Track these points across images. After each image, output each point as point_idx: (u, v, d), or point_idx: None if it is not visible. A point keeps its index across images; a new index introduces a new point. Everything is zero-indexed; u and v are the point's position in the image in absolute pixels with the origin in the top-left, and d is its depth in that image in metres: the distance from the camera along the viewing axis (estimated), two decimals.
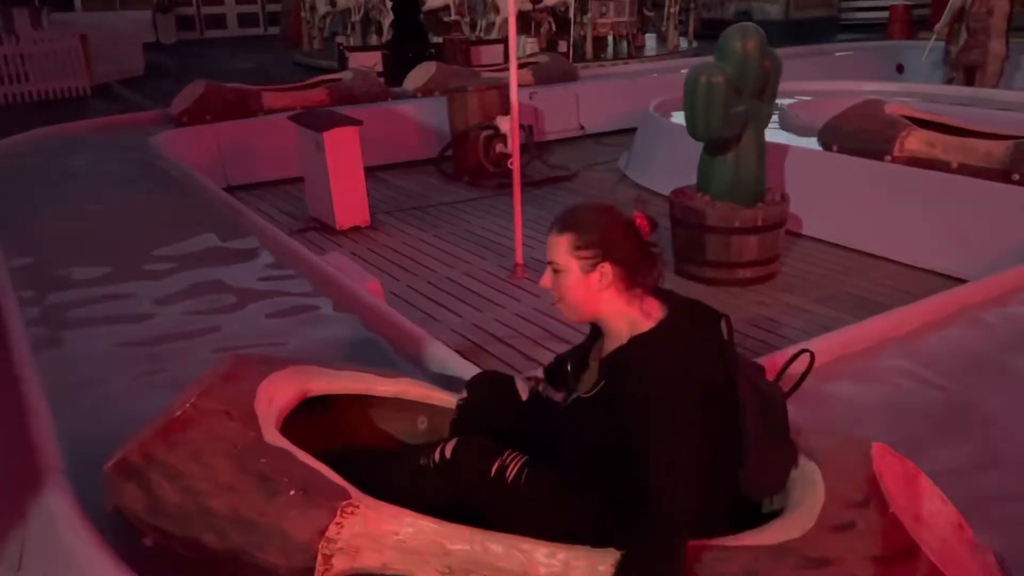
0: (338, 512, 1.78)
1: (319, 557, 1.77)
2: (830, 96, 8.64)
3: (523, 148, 8.07)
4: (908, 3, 18.81)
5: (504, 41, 12.70)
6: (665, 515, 1.58)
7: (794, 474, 1.86)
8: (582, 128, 9.70)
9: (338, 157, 6.06)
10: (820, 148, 6.31)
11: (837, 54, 13.31)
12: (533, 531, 1.75)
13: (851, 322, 4.42)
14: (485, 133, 7.81)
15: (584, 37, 15.42)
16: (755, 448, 1.75)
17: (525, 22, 15.53)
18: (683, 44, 17.72)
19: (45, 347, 3.20)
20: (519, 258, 5.23)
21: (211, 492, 1.85)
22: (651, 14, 17.23)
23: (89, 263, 4.22)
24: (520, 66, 10.19)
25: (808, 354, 2.11)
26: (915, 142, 5.88)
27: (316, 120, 6.19)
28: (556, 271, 1.81)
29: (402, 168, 8.21)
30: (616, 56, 16.19)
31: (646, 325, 1.76)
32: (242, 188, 7.16)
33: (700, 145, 7.24)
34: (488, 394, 2.17)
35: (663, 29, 17.17)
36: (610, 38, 16.40)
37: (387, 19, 15.32)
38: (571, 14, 15.42)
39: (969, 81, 10.54)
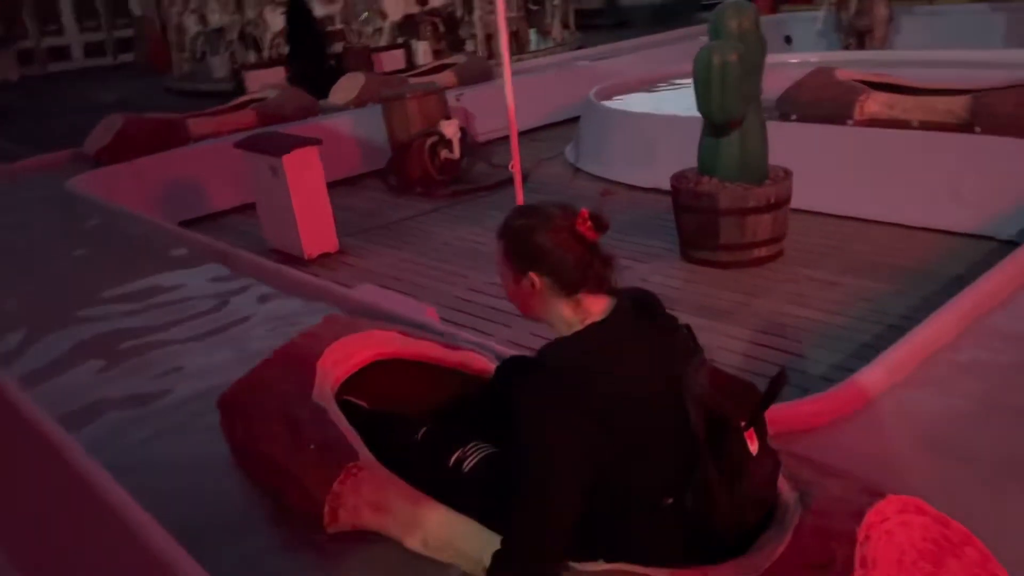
0: (343, 471, 1.98)
1: (327, 508, 1.99)
2: None
3: (466, 150, 7.85)
4: None
5: (401, 46, 12.34)
6: (521, 519, 1.58)
7: (779, 511, 1.66)
8: None
9: (299, 181, 5.59)
10: (778, 119, 6.38)
11: None
12: (468, 515, 1.87)
13: (887, 290, 4.49)
14: (430, 140, 7.48)
15: (474, 36, 15.23)
16: (701, 474, 1.58)
17: (412, 26, 15.20)
18: (565, 37, 17.85)
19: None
20: None
21: (261, 436, 2.22)
22: (535, 8, 17.22)
23: (98, 354, 3.59)
24: (441, 68, 9.94)
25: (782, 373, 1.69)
26: (874, 104, 6.03)
27: (269, 144, 5.68)
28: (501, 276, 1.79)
29: (343, 185, 7.73)
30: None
31: (577, 328, 1.68)
32: (182, 225, 6.51)
33: (651, 129, 7.35)
34: (507, 377, 2.16)
35: (548, 23, 17.20)
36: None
37: (268, 33, 14.58)
38: (458, 14, 15.21)
39: (861, 45, 11.09)
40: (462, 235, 6.14)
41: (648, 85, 9.04)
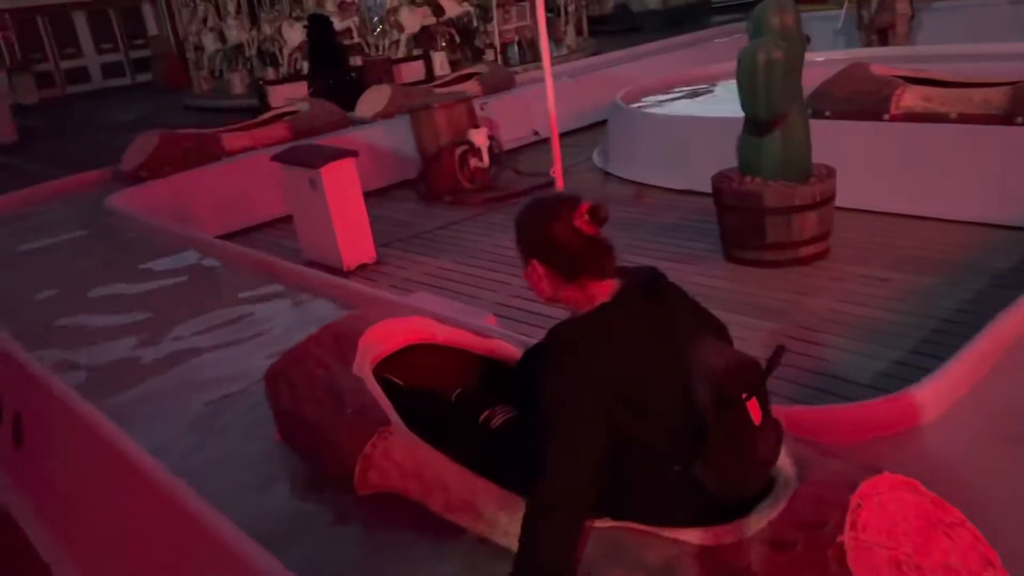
0: (376, 435, 2.18)
1: (358, 469, 2.17)
2: None
3: (494, 158, 7.86)
4: None
5: (420, 58, 12.38)
6: (541, 491, 1.65)
7: (779, 481, 1.77)
8: (536, 133, 9.48)
9: (337, 193, 5.60)
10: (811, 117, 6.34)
11: (737, 36, 13.65)
12: (492, 474, 1.98)
13: (937, 284, 4.45)
14: (460, 149, 7.49)
15: (492, 46, 15.27)
16: (708, 444, 1.69)
17: (428, 37, 15.26)
18: (578, 42, 17.87)
19: None
20: None
21: (305, 402, 2.43)
22: (550, 15, 17.24)
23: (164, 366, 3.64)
24: (465, 78, 9.96)
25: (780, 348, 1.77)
26: (911, 98, 5.97)
27: (307, 156, 5.70)
28: None
29: (374, 196, 7.73)
30: (522, 61, 16.11)
31: (584, 311, 1.81)
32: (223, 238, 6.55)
33: (683, 131, 7.32)
34: (531, 360, 2.25)
35: (562, 29, 17.23)
36: (514, 44, 16.31)
37: (286, 49, 14.67)
38: (474, 24, 15.26)
39: (883, 42, 11.02)
40: (499, 242, 6.13)
41: (672, 88, 9.03)
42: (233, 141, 7.14)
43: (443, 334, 2.64)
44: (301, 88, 10.93)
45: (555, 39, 17.94)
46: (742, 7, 24.14)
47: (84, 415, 2.78)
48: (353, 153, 5.65)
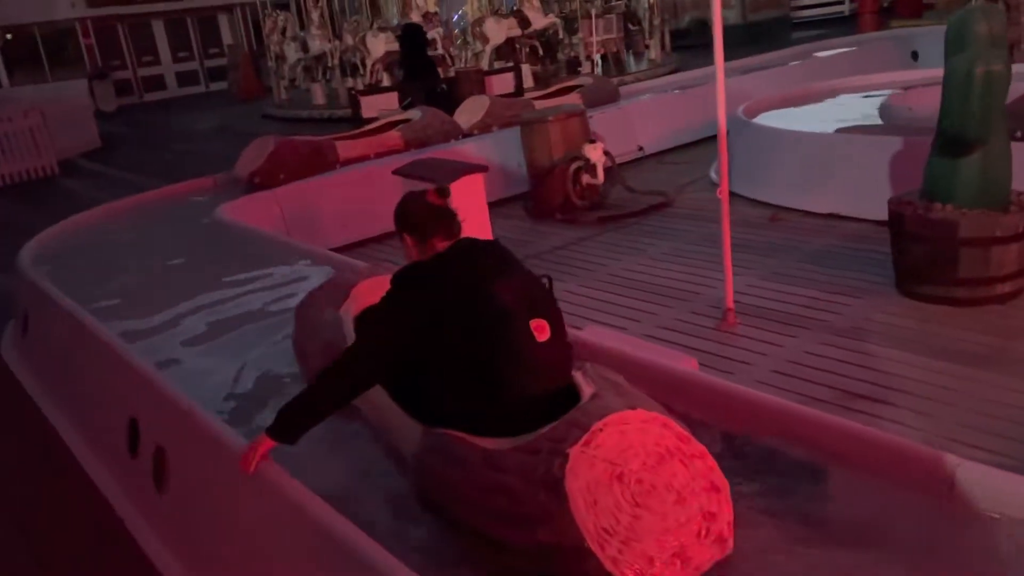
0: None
1: None
2: (918, 85, 8.16)
3: (608, 175, 7.43)
4: None
5: (511, 70, 12.04)
6: (340, 359, 2.42)
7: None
8: (641, 149, 9.05)
9: (465, 209, 5.16)
10: None
11: (843, 49, 13.03)
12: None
13: None
14: (574, 165, 7.09)
15: (576, 57, 14.89)
16: (496, 354, 2.29)
17: (510, 49, 14.95)
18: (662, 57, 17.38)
19: None
20: (730, 302, 4.48)
21: (302, 330, 3.32)
22: (635, 28, 16.83)
23: None
24: (567, 90, 9.57)
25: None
26: None
27: (433, 171, 5.35)
28: None
29: None
30: (605, 74, 15.71)
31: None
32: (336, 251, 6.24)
33: (823, 150, 6.78)
34: None
35: (646, 43, 16.77)
36: (598, 56, 15.91)
37: (370, 60, 14.50)
38: (559, 36, 14.91)
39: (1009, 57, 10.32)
40: (629, 265, 5.70)
41: (791, 102, 8.50)
42: (347, 150, 6.85)
43: None
44: (392, 99, 10.68)
45: (636, 53, 17.51)
46: (821, 23, 23.48)
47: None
48: (482, 168, 5.29)
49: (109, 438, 3.58)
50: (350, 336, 2.94)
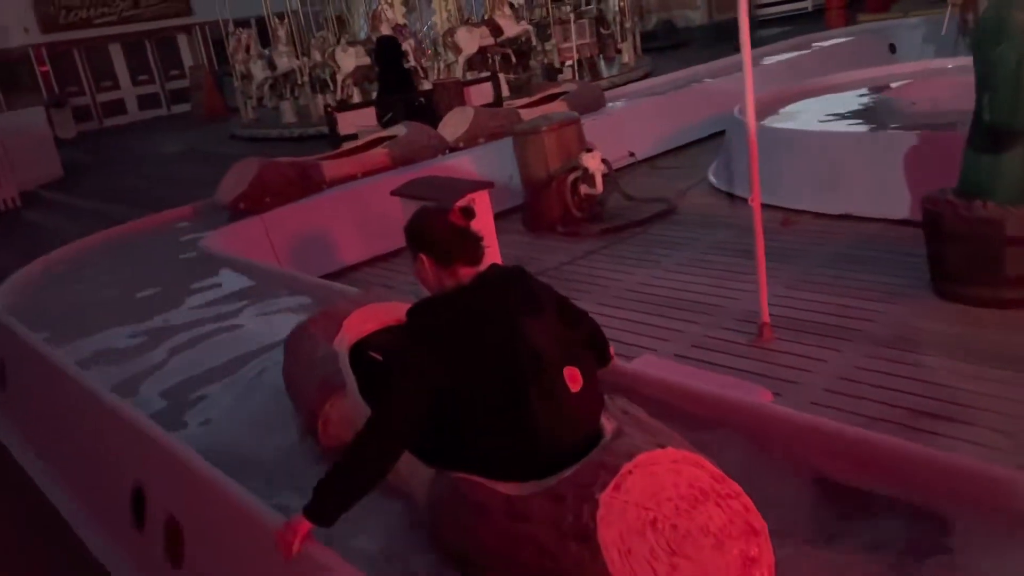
0: (333, 397, 2.84)
1: (319, 424, 2.84)
2: (916, 78, 8.05)
3: (607, 184, 7.18)
4: None
5: (489, 79, 11.79)
6: (370, 424, 2.12)
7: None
8: (632, 155, 8.81)
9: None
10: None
11: (821, 44, 12.96)
12: None
13: None
14: (573, 175, 6.83)
15: (551, 64, 14.68)
16: (529, 400, 2.06)
17: (483, 58, 14.71)
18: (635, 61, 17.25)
19: None
20: (765, 316, 4.23)
21: (295, 370, 3.17)
22: (607, 32, 16.67)
23: None
24: (551, 97, 9.32)
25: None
26: None
27: (435, 190, 5.05)
28: None
29: None
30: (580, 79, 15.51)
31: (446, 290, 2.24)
32: (328, 277, 5.91)
33: (833, 149, 6.57)
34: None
35: (618, 48, 16.62)
36: (572, 62, 15.72)
37: (340, 75, 14.15)
38: (533, 43, 14.69)
39: None
40: (643, 279, 5.44)
41: (787, 101, 8.33)
42: (333, 169, 6.51)
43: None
44: (368, 114, 10.33)
45: (607, 58, 17.35)
46: (787, 20, 23.57)
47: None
48: (487, 185, 5.00)
49: (110, 505, 3.22)
50: (345, 369, 2.80)
